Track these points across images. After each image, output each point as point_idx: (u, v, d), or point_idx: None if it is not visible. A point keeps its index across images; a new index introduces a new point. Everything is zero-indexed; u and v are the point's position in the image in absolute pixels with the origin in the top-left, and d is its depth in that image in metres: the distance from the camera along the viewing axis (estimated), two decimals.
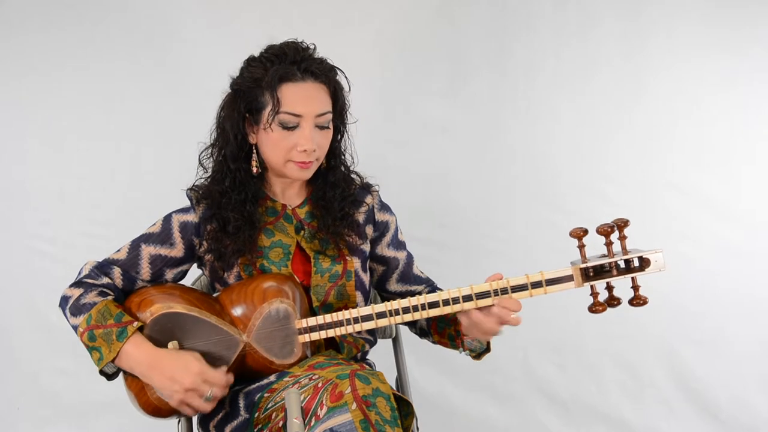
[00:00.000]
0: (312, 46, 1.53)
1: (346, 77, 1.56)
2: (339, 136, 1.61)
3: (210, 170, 1.58)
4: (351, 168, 1.65)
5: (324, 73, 1.50)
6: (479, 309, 1.42)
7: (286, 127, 1.47)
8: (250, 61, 1.53)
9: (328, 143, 1.55)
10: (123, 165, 2.63)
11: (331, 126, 1.53)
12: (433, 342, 1.67)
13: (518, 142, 2.65)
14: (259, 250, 1.53)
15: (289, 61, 1.48)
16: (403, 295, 1.70)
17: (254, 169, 1.54)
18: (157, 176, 2.58)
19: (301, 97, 1.47)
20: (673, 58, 2.60)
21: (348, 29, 2.61)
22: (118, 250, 1.54)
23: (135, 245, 1.53)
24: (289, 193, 1.61)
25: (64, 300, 1.48)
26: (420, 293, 1.69)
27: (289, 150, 1.48)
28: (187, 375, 1.37)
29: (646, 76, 2.62)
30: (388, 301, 1.47)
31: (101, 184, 2.63)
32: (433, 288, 1.73)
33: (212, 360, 1.44)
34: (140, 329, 1.43)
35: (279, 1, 2.61)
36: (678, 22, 2.59)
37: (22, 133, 2.63)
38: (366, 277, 1.62)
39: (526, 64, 2.64)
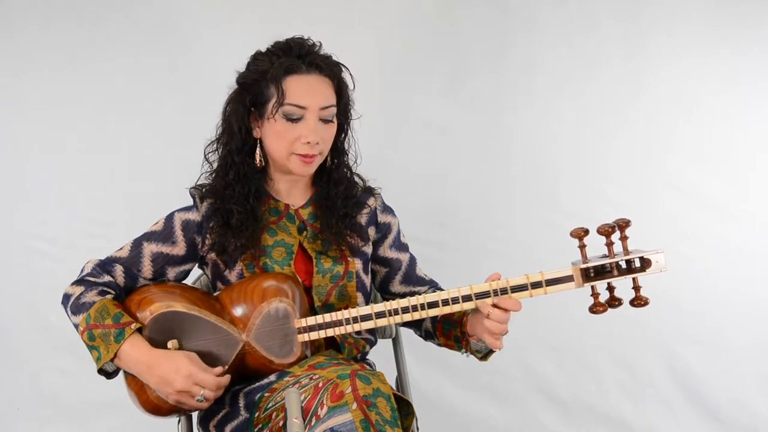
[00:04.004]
0: (318, 43, 1.55)
1: (351, 74, 1.58)
2: (343, 134, 1.62)
3: (214, 166, 1.59)
4: (354, 169, 1.66)
5: (329, 68, 1.53)
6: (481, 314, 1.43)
7: (291, 119, 1.49)
8: (257, 56, 1.55)
9: (332, 138, 1.56)
10: (123, 165, 2.63)
11: (335, 121, 1.55)
12: (439, 344, 1.67)
13: (518, 142, 2.65)
14: (262, 248, 1.53)
15: (294, 55, 1.50)
16: (406, 296, 1.69)
17: (258, 162, 1.55)
18: (157, 176, 2.57)
19: (306, 90, 1.49)
20: (673, 58, 2.60)
21: (348, 29, 2.60)
22: (120, 248, 1.54)
23: (137, 243, 1.54)
24: (293, 192, 1.61)
25: (65, 298, 1.49)
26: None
27: (292, 142, 1.49)
28: (177, 378, 1.37)
29: (646, 76, 2.62)
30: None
31: (101, 184, 2.63)
32: (436, 289, 1.73)
33: (211, 359, 1.44)
34: (139, 330, 1.43)
35: (279, 1, 2.62)
36: (678, 23, 2.59)
37: (22, 133, 2.63)
38: (367, 279, 1.63)
39: (526, 64, 2.64)
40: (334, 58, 1.56)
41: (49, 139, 2.63)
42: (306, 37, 1.55)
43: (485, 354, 1.57)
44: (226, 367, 1.45)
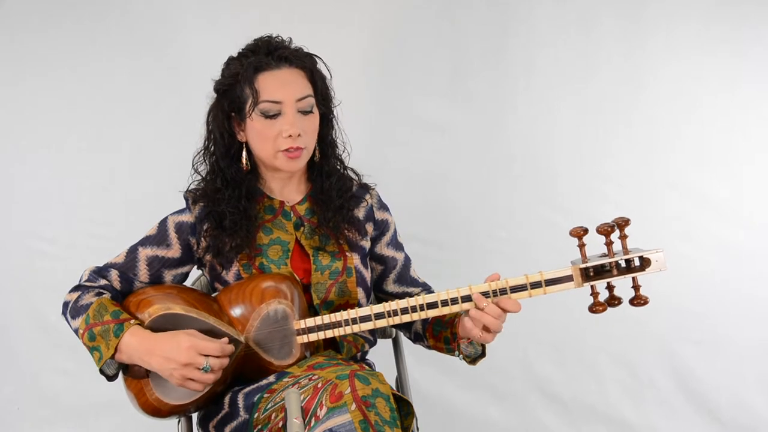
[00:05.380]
0: (288, 39, 1.56)
1: (325, 64, 1.58)
2: (328, 125, 1.62)
3: (203, 174, 1.60)
4: (347, 161, 1.67)
5: (299, 59, 1.53)
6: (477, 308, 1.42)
7: (269, 116, 1.49)
8: (228, 61, 1.57)
9: (315, 129, 1.56)
10: (123, 165, 2.63)
11: (315, 111, 1.55)
12: (428, 347, 1.67)
13: (518, 142, 2.65)
14: (257, 248, 1.53)
15: (262, 53, 1.52)
16: (399, 296, 1.70)
17: (244, 166, 1.56)
18: (157, 176, 2.57)
19: (278, 84, 1.50)
20: (673, 57, 2.59)
21: (348, 29, 2.60)
22: (117, 256, 1.56)
23: (132, 249, 1.55)
24: (288, 189, 1.61)
25: (64, 306, 1.50)
26: (417, 295, 1.69)
27: (275, 138, 1.50)
28: (180, 352, 1.37)
29: (645, 75, 2.61)
30: (385, 302, 1.47)
31: (101, 184, 2.63)
32: (429, 292, 1.72)
33: None
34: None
35: (280, 1, 2.62)
36: (678, 22, 2.58)
37: (22, 133, 2.63)
38: (367, 273, 1.62)
39: (526, 63, 2.63)
40: (305, 49, 1.56)
41: (49, 139, 2.63)
42: (275, 35, 1.56)
43: (474, 359, 1.56)
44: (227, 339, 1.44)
